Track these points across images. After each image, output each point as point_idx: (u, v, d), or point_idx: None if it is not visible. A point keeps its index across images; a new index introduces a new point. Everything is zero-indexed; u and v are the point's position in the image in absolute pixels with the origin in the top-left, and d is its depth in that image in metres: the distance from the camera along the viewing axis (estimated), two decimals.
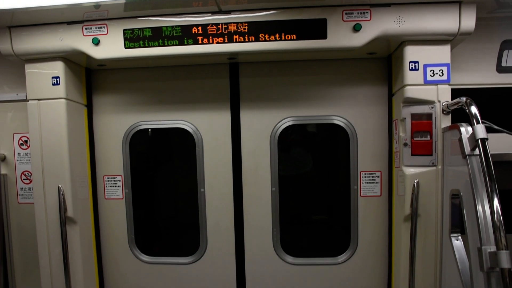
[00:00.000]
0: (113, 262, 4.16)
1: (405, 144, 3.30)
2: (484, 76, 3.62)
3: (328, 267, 3.95)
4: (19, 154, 4.07)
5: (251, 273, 4.04)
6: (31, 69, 3.57)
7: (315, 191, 4.11)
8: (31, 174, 3.90)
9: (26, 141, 4.02)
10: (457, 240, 2.99)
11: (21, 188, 4.10)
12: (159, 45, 3.33)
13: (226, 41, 3.27)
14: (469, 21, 3.09)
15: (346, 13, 3.17)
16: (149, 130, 4.05)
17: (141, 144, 4.11)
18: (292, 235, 4.07)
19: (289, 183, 3.99)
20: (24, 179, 4.08)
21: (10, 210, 4.11)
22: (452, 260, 2.94)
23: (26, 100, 3.62)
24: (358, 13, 3.16)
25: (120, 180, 4.05)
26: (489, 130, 2.55)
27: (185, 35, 3.29)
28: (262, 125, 3.90)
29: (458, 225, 3.02)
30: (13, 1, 3.03)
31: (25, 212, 4.05)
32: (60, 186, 3.58)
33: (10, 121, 4.04)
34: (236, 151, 3.93)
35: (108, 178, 4.07)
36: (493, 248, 2.22)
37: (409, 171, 3.29)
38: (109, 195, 4.08)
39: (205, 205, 3.99)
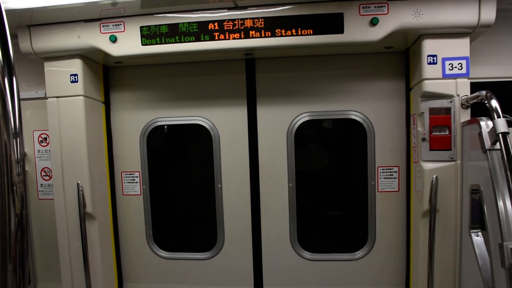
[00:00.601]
0: (131, 257, 4.21)
1: (424, 139, 3.26)
2: (504, 69, 3.56)
3: (345, 263, 3.93)
4: (38, 151, 4.14)
5: (269, 268, 4.05)
6: (50, 67, 3.62)
7: (332, 187, 4.09)
8: (50, 170, 3.97)
9: (45, 138, 4.09)
10: (477, 236, 2.95)
11: (41, 185, 4.17)
12: (175, 42, 3.34)
13: (242, 36, 3.27)
14: (489, 13, 3.03)
15: (363, 7, 3.14)
16: (166, 126, 4.07)
17: (158, 141, 4.15)
18: (309, 231, 4.06)
19: (306, 178, 3.98)
20: (44, 175, 4.15)
21: (30, 206, 4.18)
22: (472, 256, 2.90)
23: (45, 98, 3.67)
24: (375, 7, 3.13)
25: (137, 176, 4.09)
26: (510, 124, 2.51)
27: (201, 31, 3.30)
28: (279, 120, 3.89)
29: (478, 221, 2.98)
30: (32, 0, 3.08)
31: (45, 208, 4.12)
32: (79, 182, 3.63)
33: (29, 119, 4.11)
34: (253, 146, 3.93)
35: (126, 174, 4.11)
36: None
37: (428, 166, 3.25)
38: (127, 191, 4.13)
39: (222, 201, 4.01)
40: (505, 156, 2.31)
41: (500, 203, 2.35)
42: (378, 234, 3.86)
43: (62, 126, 3.64)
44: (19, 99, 1.04)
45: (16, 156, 1.00)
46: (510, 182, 2.24)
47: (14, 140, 1.00)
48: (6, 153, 0.98)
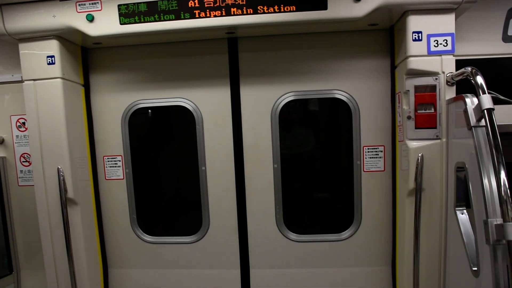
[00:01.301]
0: (115, 242, 4.16)
1: (409, 117, 3.24)
2: (489, 45, 3.53)
3: (332, 244, 3.93)
4: (17, 136, 4.04)
5: (254, 250, 4.03)
6: (25, 49, 3.50)
7: (317, 167, 4.08)
8: (30, 156, 3.87)
9: (23, 123, 3.98)
10: (462, 213, 2.96)
11: (21, 171, 4.08)
12: (155, 20, 3.25)
13: (223, 14, 3.19)
14: None
15: None
16: (148, 108, 3.99)
17: (140, 123, 4.06)
18: (295, 212, 4.04)
19: (291, 159, 3.95)
20: (23, 161, 4.06)
21: (10, 193, 4.10)
22: (457, 234, 2.92)
23: (22, 81, 3.56)
24: None
25: (120, 160, 4.02)
26: (495, 101, 2.49)
27: (181, 9, 3.21)
28: (263, 100, 3.84)
29: (463, 199, 2.98)
30: None
31: (26, 194, 4.05)
32: (59, 167, 3.55)
33: (7, 103, 3.99)
34: (236, 127, 3.88)
35: (108, 158, 4.03)
36: (499, 221, 2.18)
37: (413, 144, 3.23)
38: (109, 176, 4.05)
39: (206, 183, 3.96)
40: (490, 132, 2.30)
41: (485, 180, 2.34)
42: (364, 214, 3.86)
43: (40, 110, 3.54)
44: None
45: None
46: (495, 159, 2.24)
47: None
48: None
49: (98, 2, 3.27)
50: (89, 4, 3.27)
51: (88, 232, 3.86)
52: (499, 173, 2.20)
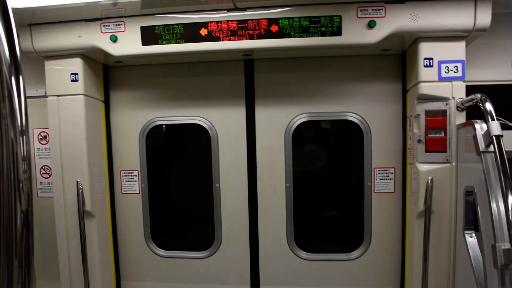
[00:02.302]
0: (129, 255, 4.23)
1: (419, 141, 3.29)
2: (499, 72, 3.59)
3: (341, 263, 3.97)
4: (38, 149, 4.17)
5: (265, 268, 4.08)
6: (50, 66, 3.65)
7: (329, 187, 4.13)
8: (50, 168, 3.99)
9: (45, 136, 4.11)
10: (471, 237, 2.99)
11: (40, 182, 4.20)
12: (175, 42, 3.37)
13: (241, 38, 3.29)
14: (484, 17, 3.07)
15: (361, 10, 3.17)
16: (165, 126, 4.10)
17: (157, 140, 4.17)
18: (306, 231, 4.09)
19: (303, 179, 4.02)
20: (43, 173, 4.17)
21: None
22: (465, 257, 2.94)
23: (45, 96, 3.69)
24: (372, 10, 3.16)
25: (136, 175, 4.11)
26: (504, 127, 2.54)
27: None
28: (277, 121, 3.92)
29: (472, 222, 3.01)
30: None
31: (44, 206, 4.12)
32: (78, 180, 3.65)
33: (29, 117, 4.10)
34: (251, 147, 3.96)
35: (125, 173, 4.13)
36: (507, 245, 2.22)
37: (423, 167, 3.28)
38: (125, 190, 4.15)
39: (220, 200, 4.03)
40: (498, 158, 2.35)
41: (493, 205, 2.38)
42: (374, 235, 3.90)
43: (62, 125, 3.66)
44: (25, 98, 1.05)
45: (22, 154, 1.01)
46: (503, 184, 2.28)
47: (21, 138, 1.02)
48: (13, 150, 1.00)
49: (122, 24, 3.41)
50: (113, 25, 3.41)
51: (103, 245, 3.94)
52: (507, 198, 2.24)
